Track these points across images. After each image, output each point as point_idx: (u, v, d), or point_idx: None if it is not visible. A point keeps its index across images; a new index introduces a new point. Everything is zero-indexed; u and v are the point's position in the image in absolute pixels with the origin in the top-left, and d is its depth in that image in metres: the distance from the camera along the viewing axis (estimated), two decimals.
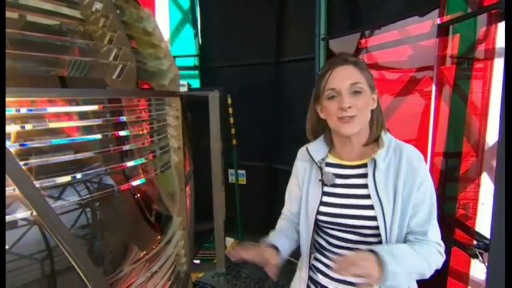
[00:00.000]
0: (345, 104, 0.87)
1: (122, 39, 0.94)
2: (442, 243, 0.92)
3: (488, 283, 1.29)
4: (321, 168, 0.98)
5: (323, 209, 0.96)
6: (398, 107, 2.19)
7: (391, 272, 0.78)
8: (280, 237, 1.02)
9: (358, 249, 0.91)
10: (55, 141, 0.89)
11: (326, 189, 0.97)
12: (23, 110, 0.82)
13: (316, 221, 0.98)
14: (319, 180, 0.98)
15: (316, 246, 1.03)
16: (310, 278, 1.04)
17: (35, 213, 0.73)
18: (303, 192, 1.03)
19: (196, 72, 3.67)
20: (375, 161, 0.89)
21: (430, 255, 0.88)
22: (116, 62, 0.94)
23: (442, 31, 1.76)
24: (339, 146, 0.98)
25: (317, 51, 2.57)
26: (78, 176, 0.92)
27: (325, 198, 0.96)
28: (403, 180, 0.88)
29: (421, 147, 1.96)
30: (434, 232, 0.91)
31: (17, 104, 0.80)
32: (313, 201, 0.98)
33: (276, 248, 0.96)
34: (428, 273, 0.88)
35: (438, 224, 0.93)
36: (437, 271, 0.92)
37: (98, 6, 0.95)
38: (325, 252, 0.99)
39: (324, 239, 1.00)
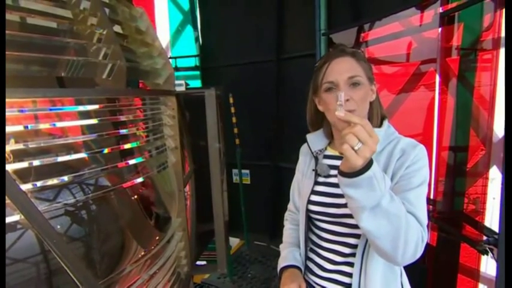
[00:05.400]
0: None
1: (110, 38, 0.92)
2: (426, 229, 0.79)
3: (499, 279, 1.24)
4: (316, 159, 0.97)
5: (314, 197, 0.94)
6: (402, 102, 2.14)
7: (371, 176, 0.66)
8: (296, 250, 1.03)
9: (348, 244, 0.89)
10: (46, 141, 0.88)
11: (319, 179, 0.95)
12: (14, 112, 0.81)
13: (308, 213, 0.96)
14: (313, 170, 0.96)
15: (310, 245, 1.01)
16: (304, 280, 1.01)
17: (22, 217, 0.72)
18: (300, 184, 1.02)
19: (198, 72, 3.66)
20: None
21: (412, 223, 0.74)
22: (106, 61, 0.92)
23: (445, 20, 1.70)
24: (337, 137, 0.96)
25: (318, 47, 2.53)
26: (71, 177, 0.91)
27: (317, 188, 0.95)
28: (394, 163, 0.83)
29: (427, 142, 1.91)
30: (419, 210, 0.78)
31: (8, 105, 0.79)
32: (306, 190, 0.97)
33: (297, 268, 0.98)
34: (401, 238, 0.71)
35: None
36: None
37: (85, 4, 0.94)
38: (316, 249, 0.97)
39: (316, 234, 0.98)
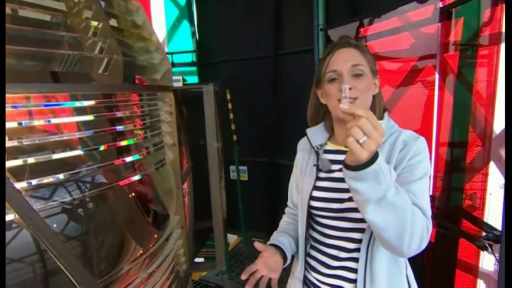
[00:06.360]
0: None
1: (106, 32, 0.90)
2: (430, 220, 0.77)
3: (501, 275, 1.24)
4: (317, 153, 0.96)
5: (316, 193, 0.93)
6: (401, 97, 2.13)
7: (376, 169, 0.65)
8: (282, 235, 1.02)
9: (352, 239, 0.88)
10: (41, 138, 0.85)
11: (321, 174, 0.94)
12: (8, 108, 0.79)
13: (310, 209, 0.95)
14: (314, 165, 0.95)
15: (311, 242, 1.00)
16: (305, 278, 1.00)
17: (17, 216, 0.70)
18: (299, 180, 1.01)
19: (195, 68, 3.63)
20: None
21: (417, 215, 0.73)
22: (102, 55, 0.89)
23: (445, 15, 1.69)
24: (338, 131, 0.95)
25: (316, 42, 2.52)
26: (67, 175, 0.88)
27: (319, 183, 0.94)
28: (396, 155, 0.83)
29: (426, 137, 1.91)
30: (423, 201, 0.77)
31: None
32: (307, 186, 0.95)
33: (277, 247, 0.96)
34: (407, 229, 0.70)
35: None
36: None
37: None
38: (319, 246, 0.96)
39: (318, 231, 0.97)
